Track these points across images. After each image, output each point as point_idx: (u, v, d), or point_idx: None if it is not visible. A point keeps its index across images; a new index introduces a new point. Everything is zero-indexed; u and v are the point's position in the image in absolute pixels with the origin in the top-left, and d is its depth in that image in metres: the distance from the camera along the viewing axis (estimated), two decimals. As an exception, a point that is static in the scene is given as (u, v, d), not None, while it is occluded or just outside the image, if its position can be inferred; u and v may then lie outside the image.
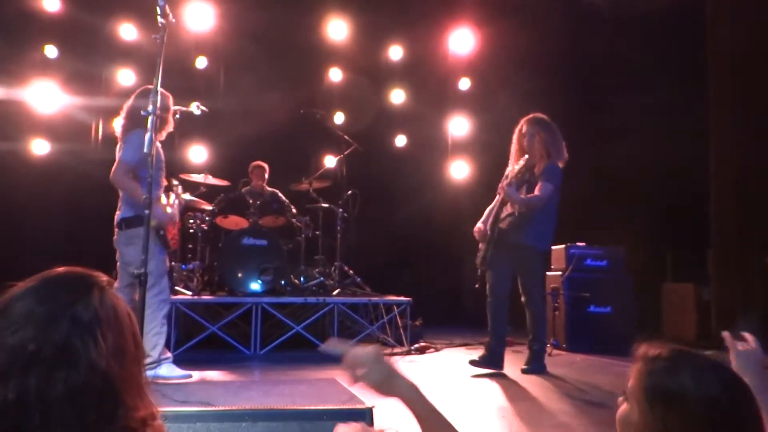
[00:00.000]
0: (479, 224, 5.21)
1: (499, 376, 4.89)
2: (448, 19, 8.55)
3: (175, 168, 6.13)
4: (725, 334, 1.74)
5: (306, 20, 8.26)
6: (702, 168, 6.94)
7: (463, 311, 8.60)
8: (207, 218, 6.26)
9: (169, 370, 4.17)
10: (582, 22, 8.31)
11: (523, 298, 5.11)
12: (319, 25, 8.37)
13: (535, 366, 5.00)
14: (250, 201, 6.39)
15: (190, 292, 5.95)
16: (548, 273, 6.38)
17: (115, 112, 4.64)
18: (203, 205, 6.15)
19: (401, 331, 6.13)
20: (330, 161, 7.82)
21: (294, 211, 6.77)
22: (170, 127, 4.50)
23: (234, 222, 6.44)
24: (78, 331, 1.00)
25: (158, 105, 3.49)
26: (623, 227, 7.24)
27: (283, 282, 6.30)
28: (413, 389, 1.36)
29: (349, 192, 6.97)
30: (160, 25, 3.44)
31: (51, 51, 7.72)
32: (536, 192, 4.90)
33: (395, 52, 8.85)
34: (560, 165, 5.03)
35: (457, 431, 1.37)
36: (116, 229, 4.31)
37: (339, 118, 8.67)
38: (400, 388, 1.37)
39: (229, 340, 5.65)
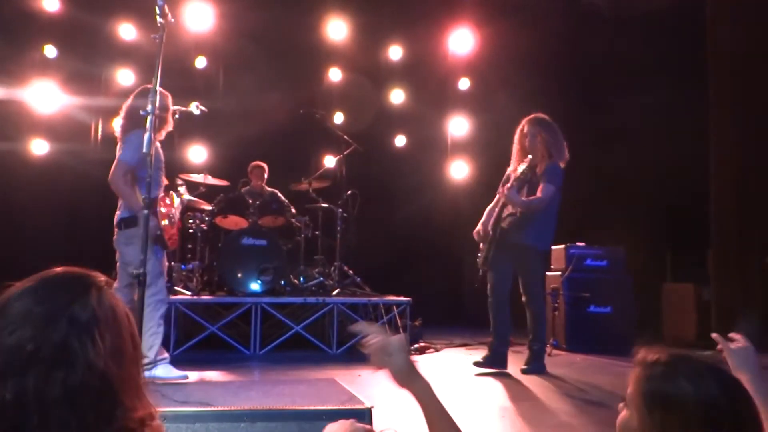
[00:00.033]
0: (479, 226, 5.21)
1: (500, 376, 4.89)
2: (448, 19, 8.55)
3: (175, 168, 6.13)
4: (715, 335, 1.74)
5: (306, 20, 8.26)
6: (702, 168, 6.93)
7: (463, 311, 8.61)
8: (206, 218, 6.26)
9: (165, 371, 4.16)
10: (582, 22, 8.31)
11: (523, 298, 5.11)
12: (318, 25, 8.37)
13: (534, 366, 5.00)
14: (250, 201, 6.39)
15: (189, 292, 5.95)
16: (548, 273, 6.37)
17: (114, 112, 4.63)
18: (203, 205, 6.15)
19: (401, 331, 6.12)
20: (329, 161, 7.82)
21: (293, 211, 6.76)
22: (170, 127, 4.49)
23: (233, 222, 6.43)
24: (76, 331, 1.00)
25: (157, 105, 3.48)
26: (623, 227, 7.24)
27: (282, 282, 6.30)
28: (427, 387, 1.38)
29: (349, 192, 6.96)
30: (159, 25, 3.44)
31: (50, 51, 7.72)
32: (538, 194, 4.90)
33: (395, 52, 8.84)
34: (561, 165, 5.04)
35: None
36: (116, 229, 4.30)
37: (339, 118, 8.67)
38: (417, 383, 1.39)
39: (229, 340, 5.65)
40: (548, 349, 5.47)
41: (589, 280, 6.43)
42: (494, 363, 4.99)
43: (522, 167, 4.82)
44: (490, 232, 5.08)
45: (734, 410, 1.13)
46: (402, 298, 6.26)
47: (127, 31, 7.83)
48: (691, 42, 7.10)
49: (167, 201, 4.49)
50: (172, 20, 3.50)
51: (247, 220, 6.33)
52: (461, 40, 8.56)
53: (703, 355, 1.28)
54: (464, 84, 8.99)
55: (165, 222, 4.31)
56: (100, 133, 7.96)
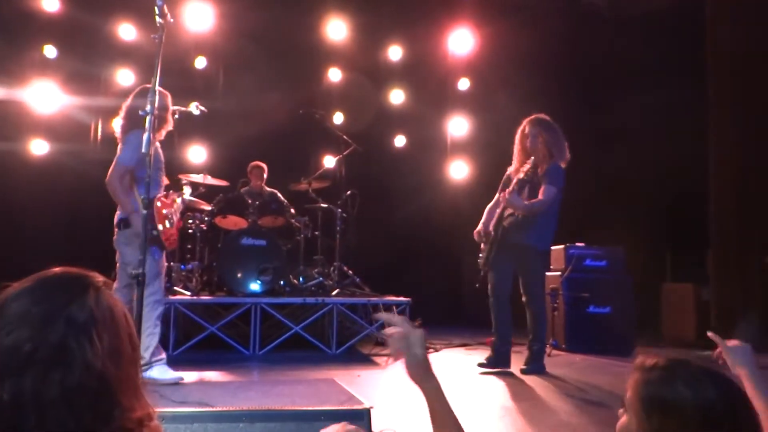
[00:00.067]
0: (479, 226, 5.22)
1: (500, 375, 4.90)
2: (448, 19, 8.55)
3: (174, 168, 6.12)
4: (711, 334, 1.75)
5: (305, 20, 8.26)
6: (702, 168, 6.94)
7: (463, 312, 8.60)
8: (206, 218, 6.25)
9: (160, 372, 4.14)
10: (582, 22, 8.32)
11: (524, 298, 5.12)
12: (318, 25, 8.36)
13: (534, 366, 5.00)
14: (249, 201, 6.39)
15: (189, 293, 5.95)
16: (547, 273, 6.37)
17: (114, 112, 4.63)
18: (202, 205, 6.14)
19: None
20: (329, 161, 7.82)
21: (292, 211, 6.75)
22: (170, 126, 4.48)
23: (233, 222, 6.43)
24: (73, 331, 1.00)
25: (156, 105, 3.48)
26: (623, 227, 7.24)
27: (282, 282, 6.30)
28: (438, 388, 1.41)
29: (349, 192, 6.96)
30: (158, 25, 3.44)
31: (50, 51, 7.72)
32: (539, 196, 4.92)
33: (395, 52, 8.84)
34: (562, 165, 5.04)
35: None
36: (116, 229, 4.30)
37: (338, 118, 8.67)
38: (430, 382, 1.41)
39: (228, 340, 5.65)
40: (548, 349, 5.47)
41: (589, 281, 6.42)
42: (498, 363, 5.03)
43: (526, 169, 4.82)
44: (492, 233, 5.09)
45: (732, 414, 1.13)
46: (401, 299, 6.26)
47: (126, 31, 7.83)
48: (691, 42, 7.10)
49: (167, 201, 4.47)
50: (172, 20, 3.50)
51: (247, 220, 6.33)
52: (461, 40, 8.56)
53: (701, 359, 1.28)
54: (464, 84, 8.99)
55: (166, 224, 4.30)
56: (99, 133, 7.95)
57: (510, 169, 5.34)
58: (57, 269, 1.10)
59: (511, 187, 4.92)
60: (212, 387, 4.30)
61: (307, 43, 8.37)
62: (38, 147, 7.68)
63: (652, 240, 7.57)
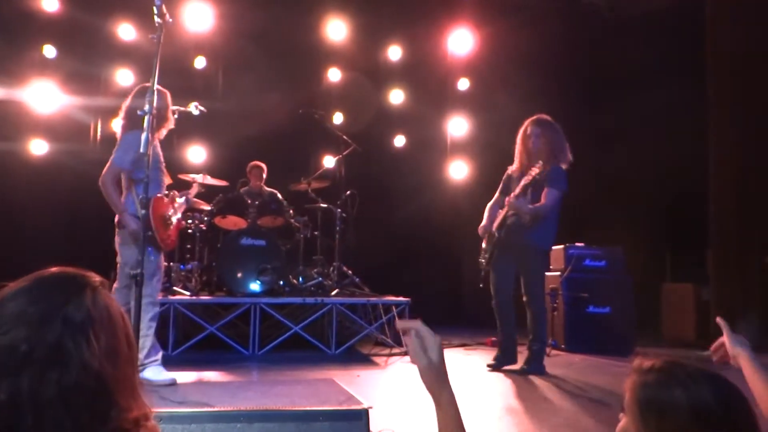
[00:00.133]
0: (484, 221, 5.24)
1: (500, 375, 4.92)
2: (447, 19, 8.55)
3: (174, 168, 6.12)
4: (719, 320, 1.76)
5: (305, 20, 8.26)
6: (702, 168, 6.93)
7: (462, 312, 8.60)
8: (205, 218, 6.25)
9: (154, 373, 4.13)
10: (582, 22, 8.31)
11: (524, 298, 5.13)
12: (318, 26, 8.36)
13: (534, 366, 5.00)
14: (249, 201, 6.38)
15: (188, 293, 5.94)
16: (547, 273, 6.36)
17: (113, 112, 4.62)
18: (202, 205, 6.14)
19: (400, 331, 6.11)
20: (329, 161, 7.82)
21: (291, 212, 6.74)
22: (171, 125, 4.47)
23: (232, 222, 6.43)
24: (70, 331, 1.00)
25: (155, 104, 3.47)
26: (623, 227, 7.25)
27: (281, 282, 6.29)
28: (452, 399, 1.37)
29: (348, 192, 6.95)
30: (157, 24, 3.43)
31: (49, 51, 7.71)
32: (542, 199, 4.95)
33: (394, 53, 8.84)
34: (564, 167, 5.05)
35: None
36: (117, 229, 4.29)
37: (338, 118, 8.66)
38: (444, 391, 1.38)
39: (228, 340, 5.64)
40: (547, 349, 5.47)
41: (588, 281, 6.42)
42: (506, 361, 5.11)
43: (533, 172, 4.82)
44: (495, 234, 5.10)
45: (729, 417, 1.13)
46: (401, 299, 6.25)
47: (126, 31, 7.83)
48: (691, 42, 7.10)
49: (166, 201, 4.46)
50: (170, 20, 3.50)
51: (246, 220, 6.33)
52: (461, 41, 8.56)
53: (701, 359, 1.28)
54: (464, 84, 8.98)
55: (162, 225, 4.28)
56: (99, 133, 7.95)
57: (511, 169, 5.35)
58: (54, 269, 1.10)
59: (517, 191, 4.92)
60: (211, 387, 4.29)
61: (307, 43, 8.36)
62: (38, 147, 7.68)
63: (652, 240, 7.57)
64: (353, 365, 5.28)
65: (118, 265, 4.31)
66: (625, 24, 7.93)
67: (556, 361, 5.59)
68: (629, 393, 1.22)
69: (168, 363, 4.38)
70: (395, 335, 6.17)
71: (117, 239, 4.28)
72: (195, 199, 5.83)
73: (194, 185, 5.23)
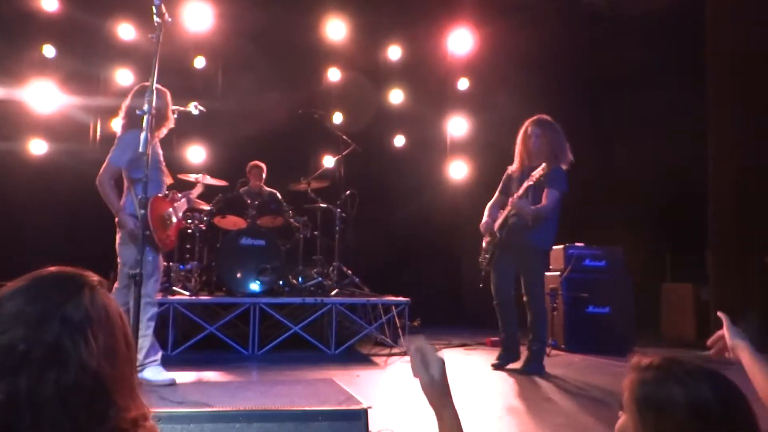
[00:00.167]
0: (485, 218, 5.24)
1: (499, 375, 4.92)
2: (447, 19, 8.55)
3: (173, 168, 6.12)
4: (720, 313, 1.76)
5: (305, 20, 8.26)
6: (702, 168, 6.93)
7: (462, 312, 8.60)
8: (205, 218, 6.25)
9: (153, 373, 4.12)
10: (582, 22, 8.31)
11: (524, 298, 5.14)
12: (317, 25, 8.36)
13: (533, 366, 5.00)
14: (248, 201, 6.38)
15: (188, 293, 5.94)
16: (547, 273, 6.37)
17: (113, 111, 4.62)
18: (201, 205, 6.14)
19: (399, 331, 6.12)
20: (328, 161, 7.82)
21: (290, 212, 6.74)
22: (171, 123, 4.46)
23: (232, 222, 6.42)
24: (68, 331, 1.00)
25: (154, 104, 3.47)
26: (622, 227, 7.24)
27: (281, 282, 6.29)
28: (455, 417, 1.38)
29: (348, 192, 6.95)
30: (156, 24, 3.43)
31: (49, 51, 7.71)
32: (543, 200, 4.96)
33: (394, 52, 8.83)
34: (564, 167, 5.05)
35: None
36: (118, 229, 4.29)
37: (337, 118, 8.66)
38: (447, 409, 1.38)
39: (227, 340, 5.64)
40: (547, 349, 5.47)
41: (588, 281, 6.42)
42: (509, 359, 5.14)
43: (537, 174, 4.82)
44: (497, 235, 5.11)
45: (728, 414, 1.13)
46: (401, 299, 6.25)
47: (125, 31, 7.82)
48: (691, 42, 7.09)
49: (166, 201, 4.45)
50: (169, 20, 3.49)
51: (246, 220, 6.32)
52: (460, 40, 8.56)
53: (701, 359, 1.27)
54: (463, 84, 8.98)
55: (161, 225, 4.27)
56: (98, 133, 7.94)
57: (511, 169, 5.36)
58: (52, 268, 1.10)
59: (520, 192, 4.93)
60: (211, 387, 4.29)
61: (307, 43, 8.36)
62: (37, 147, 7.68)
63: (652, 240, 7.56)
64: (353, 365, 5.28)
65: (119, 266, 4.30)
66: (625, 24, 7.93)
67: (556, 361, 5.58)
68: (627, 391, 1.22)
69: (167, 363, 4.38)
70: (395, 335, 6.18)
71: (117, 239, 4.27)
72: (196, 200, 5.83)
73: (198, 185, 5.23)
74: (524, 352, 5.16)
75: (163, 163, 4.51)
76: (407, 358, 5.67)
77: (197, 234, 6.23)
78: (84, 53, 7.65)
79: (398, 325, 6.14)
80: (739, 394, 1.17)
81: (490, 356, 5.78)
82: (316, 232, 6.96)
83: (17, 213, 7.28)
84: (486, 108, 8.51)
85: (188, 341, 5.57)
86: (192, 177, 6.25)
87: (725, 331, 1.72)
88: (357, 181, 7.14)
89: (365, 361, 5.65)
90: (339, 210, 6.81)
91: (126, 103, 4.34)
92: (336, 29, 8.38)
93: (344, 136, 7.13)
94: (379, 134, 8.81)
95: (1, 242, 6.94)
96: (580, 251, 6.59)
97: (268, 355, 5.65)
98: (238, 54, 8.04)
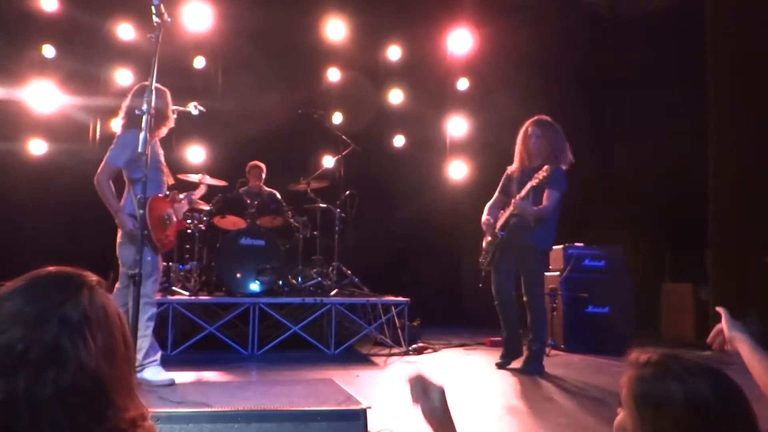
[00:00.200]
0: (485, 217, 5.24)
1: (499, 376, 4.92)
2: (447, 19, 8.54)
3: (173, 168, 6.11)
4: (719, 308, 1.76)
5: (304, 20, 8.25)
6: (701, 168, 6.93)
7: (462, 312, 8.60)
8: (204, 218, 6.24)
9: (153, 374, 4.12)
10: (582, 22, 8.31)
11: (524, 298, 5.14)
12: (317, 25, 8.35)
13: (533, 367, 5.01)
14: (248, 201, 6.38)
15: (187, 293, 5.94)
16: (546, 273, 6.37)
17: (112, 112, 4.61)
18: (201, 205, 6.13)
19: (399, 331, 6.12)
20: (328, 161, 7.81)
21: (290, 212, 6.73)
22: (171, 123, 4.45)
23: (231, 222, 6.42)
24: (67, 331, 1.00)
25: (153, 104, 3.47)
26: (622, 227, 7.24)
27: (280, 282, 6.29)
28: None
29: (347, 192, 6.95)
30: (155, 24, 3.43)
31: (49, 51, 7.70)
32: (544, 201, 4.98)
33: (394, 52, 8.83)
34: (564, 168, 5.06)
35: None
36: (119, 229, 4.28)
37: (337, 118, 8.66)
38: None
39: (227, 340, 5.64)
40: (547, 349, 5.47)
41: (588, 281, 6.42)
42: (513, 357, 5.16)
43: (540, 176, 4.82)
44: (498, 235, 5.11)
45: (726, 410, 1.12)
46: (400, 299, 6.25)
47: (125, 31, 7.82)
48: (691, 42, 7.09)
49: (166, 202, 4.45)
50: (169, 20, 3.49)
51: (246, 220, 6.32)
52: (460, 40, 8.56)
53: (696, 356, 1.27)
54: (463, 84, 8.98)
55: (160, 225, 4.26)
56: (98, 133, 7.94)
57: (510, 169, 5.36)
58: (50, 268, 1.10)
59: (522, 193, 4.92)
60: (210, 387, 4.29)
61: (306, 43, 8.36)
62: (37, 147, 7.67)
63: (652, 240, 7.56)
64: (352, 365, 5.28)
65: (120, 266, 4.30)
66: (625, 24, 7.92)
67: (556, 361, 5.58)
68: (626, 387, 1.22)
69: (167, 363, 4.38)
70: (394, 335, 6.18)
71: (118, 239, 4.27)
72: (198, 200, 5.82)
73: (201, 187, 5.23)
74: (524, 352, 5.16)
75: (164, 164, 4.50)
76: (407, 358, 5.70)
77: (197, 234, 6.23)
78: (84, 53, 7.64)
79: (398, 325, 6.14)
80: (739, 392, 1.16)
81: (489, 356, 5.78)
82: (315, 232, 6.96)
83: (17, 213, 7.28)
84: (486, 108, 8.51)
85: (188, 341, 5.56)
86: (192, 177, 6.26)
87: (723, 324, 1.72)
88: (357, 181, 7.14)
89: (365, 361, 5.65)
90: (339, 210, 6.80)
91: (126, 103, 4.34)
92: (336, 29, 8.38)
93: (344, 136, 7.13)
94: (379, 134, 8.80)
95: (1, 242, 6.94)
96: (580, 251, 6.59)
97: (267, 355, 5.65)
98: (238, 54, 8.04)
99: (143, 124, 3.39)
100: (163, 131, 4.42)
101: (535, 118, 5.24)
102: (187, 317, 5.76)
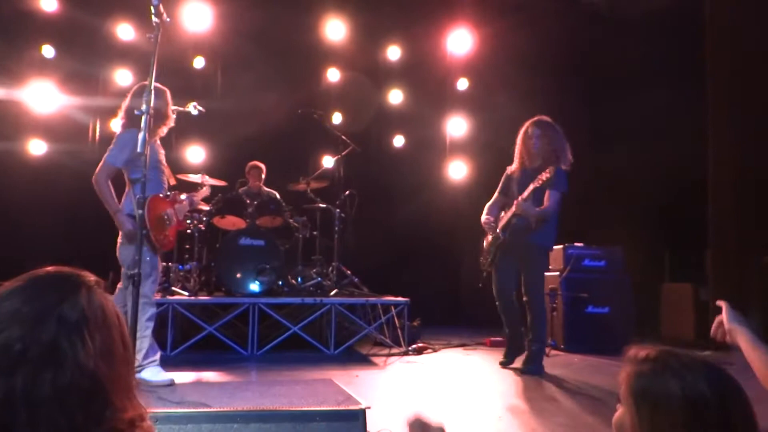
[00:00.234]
0: (488, 217, 5.24)
1: (499, 375, 4.91)
2: (447, 19, 8.54)
3: (173, 168, 6.11)
4: (720, 302, 1.76)
5: (304, 20, 8.25)
6: (700, 168, 6.93)
7: (461, 312, 8.59)
8: (204, 218, 6.24)
9: (152, 374, 4.11)
10: (581, 22, 8.30)
11: (525, 298, 5.14)
12: (317, 25, 8.35)
13: (533, 367, 5.01)
14: (248, 201, 6.38)
15: (187, 293, 5.94)
16: (546, 273, 6.36)
17: (112, 112, 4.60)
18: (201, 205, 6.13)
19: (399, 331, 6.12)
20: (328, 161, 7.81)
21: (290, 212, 6.73)
22: (171, 122, 4.45)
23: (231, 222, 6.42)
24: (65, 331, 0.99)
25: (152, 104, 3.46)
26: (621, 227, 7.23)
27: (280, 282, 6.29)
28: None
29: (347, 192, 6.95)
30: (154, 24, 3.43)
31: (48, 51, 7.70)
32: (545, 202, 4.99)
33: (393, 53, 8.83)
34: (564, 168, 5.06)
35: None
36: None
37: (337, 118, 8.65)
38: None
39: (226, 340, 5.64)
40: (546, 349, 5.47)
41: (588, 281, 6.42)
42: (516, 355, 5.19)
43: (543, 178, 4.82)
44: (501, 236, 5.11)
45: (723, 407, 1.12)
46: (400, 299, 6.25)
47: (125, 31, 7.82)
48: (691, 42, 7.09)
49: (167, 201, 4.44)
50: (168, 20, 3.49)
51: (245, 220, 6.32)
52: (460, 41, 8.55)
53: (695, 353, 1.27)
54: (463, 84, 8.97)
55: (159, 225, 4.26)
56: (98, 134, 7.93)
57: (510, 169, 5.36)
58: (49, 268, 1.09)
59: (525, 195, 4.92)
60: (210, 387, 4.28)
61: (306, 43, 8.35)
62: (36, 147, 7.67)
63: (651, 240, 7.55)
64: (352, 365, 5.28)
65: (122, 266, 4.29)
66: (625, 24, 7.91)
67: (555, 361, 5.58)
68: (624, 383, 1.22)
69: (166, 363, 4.37)
70: (394, 335, 6.17)
71: (119, 240, 4.27)
72: (200, 201, 5.81)
73: (205, 188, 5.22)
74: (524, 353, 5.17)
75: (165, 164, 4.50)
76: (407, 358, 5.70)
77: (196, 234, 6.22)
78: (83, 53, 7.64)
79: (397, 325, 6.14)
80: (737, 388, 1.16)
81: (489, 356, 5.79)
82: (315, 233, 6.96)
83: (17, 213, 7.27)
84: (485, 108, 8.50)
85: (187, 341, 5.56)
86: (192, 177, 6.26)
87: (724, 316, 1.72)
88: (356, 181, 7.14)
89: (364, 361, 5.65)
90: (338, 210, 6.81)
91: (125, 103, 4.34)
92: (335, 29, 8.37)
93: (343, 137, 7.13)
94: (379, 134, 8.80)
95: (0, 242, 6.94)
96: (580, 251, 6.59)
97: (267, 355, 5.64)
98: (238, 54, 8.04)
99: (142, 125, 3.39)
100: (164, 130, 4.42)
101: (535, 118, 5.24)
102: (186, 317, 5.76)
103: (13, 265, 1.71)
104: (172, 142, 6.74)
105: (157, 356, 4.22)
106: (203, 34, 7.71)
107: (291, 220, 6.64)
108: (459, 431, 3.25)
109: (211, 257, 6.41)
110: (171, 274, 6.08)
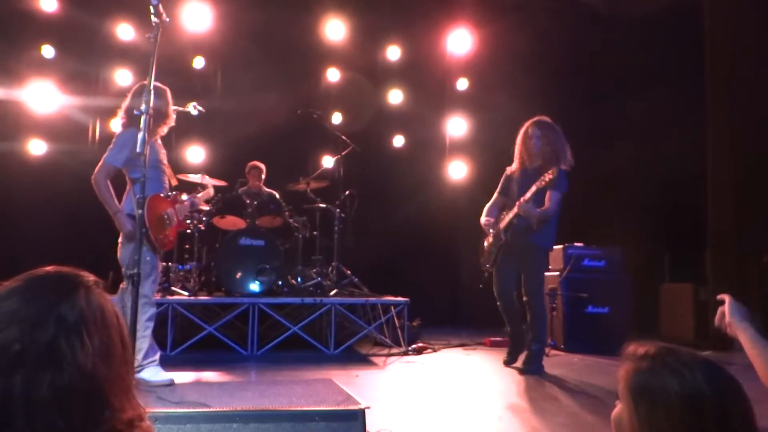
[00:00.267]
0: (487, 218, 5.24)
1: (499, 376, 4.91)
2: (446, 19, 8.54)
3: (173, 168, 6.11)
4: (721, 296, 1.76)
5: (304, 20, 8.25)
6: (700, 168, 6.93)
7: (461, 312, 8.59)
8: (204, 218, 6.24)
9: (152, 374, 4.11)
10: (581, 22, 8.30)
11: (525, 298, 5.14)
12: (316, 25, 8.35)
13: (533, 367, 5.00)
14: (247, 201, 6.38)
15: (186, 293, 5.94)
16: (546, 273, 6.36)
17: (112, 112, 4.60)
18: (201, 205, 6.13)
19: (399, 331, 6.12)
20: (327, 161, 7.81)
21: (289, 212, 6.73)
22: (172, 122, 4.44)
23: (231, 222, 6.42)
24: (64, 331, 0.99)
25: (152, 104, 3.46)
26: (621, 227, 7.24)
27: (280, 282, 6.29)
28: None
29: (347, 192, 6.95)
30: (153, 24, 3.43)
31: (48, 51, 7.69)
32: (546, 202, 4.99)
33: (393, 53, 8.82)
34: (564, 168, 5.05)
35: None
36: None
37: (337, 118, 8.64)
38: None
39: (226, 340, 5.64)
40: (546, 349, 5.47)
41: (587, 281, 6.41)
42: (519, 353, 5.20)
43: (546, 179, 4.82)
44: (502, 237, 5.11)
45: (721, 404, 1.12)
46: (400, 299, 6.25)
47: (124, 31, 7.81)
48: (690, 42, 7.09)
49: (167, 201, 4.43)
50: (167, 20, 3.49)
51: (245, 220, 6.32)
52: (459, 40, 8.55)
53: (703, 353, 1.27)
54: (462, 84, 8.96)
55: (159, 225, 4.25)
56: (98, 134, 7.93)
57: (510, 169, 5.36)
58: (47, 268, 1.09)
59: (528, 195, 4.92)
60: (209, 387, 4.28)
61: (306, 43, 8.35)
62: (36, 147, 7.66)
63: (651, 240, 7.55)
64: (352, 365, 5.28)
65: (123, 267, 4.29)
66: (625, 24, 7.92)
67: (555, 361, 5.58)
68: (622, 380, 1.22)
69: (166, 363, 4.37)
70: (394, 335, 6.17)
71: (120, 241, 4.27)
72: (202, 202, 5.80)
73: (208, 189, 5.23)
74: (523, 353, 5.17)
75: (166, 164, 4.49)
76: (407, 358, 5.70)
77: (196, 234, 6.22)
78: (83, 53, 7.64)
79: (397, 325, 6.14)
80: (735, 386, 1.16)
81: (489, 356, 5.79)
82: (315, 232, 6.96)
83: (16, 213, 7.27)
84: (485, 108, 8.49)
85: (187, 341, 5.56)
86: (192, 177, 6.26)
87: (726, 308, 1.72)
88: (356, 181, 7.14)
89: (364, 361, 5.65)
90: (338, 210, 6.81)
91: (125, 102, 4.34)
92: (335, 29, 8.37)
93: (343, 136, 7.13)
94: (379, 134, 8.80)
95: (0, 242, 6.94)
96: (580, 251, 6.58)
97: (267, 355, 5.64)
98: (237, 54, 8.04)
99: (141, 124, 3.39)
100: (164, 130, 4.41)
101: (535, 118, 5.24)
102: (186, 317, 5.76)
103: (13, 265, 1.71)
104: (172, 142, 6.74)
105: (157, 356, 4.22)
106: (203, 34, 7.70)
107: (291, 220, 6.64)
108: (459, 431, 3.25)
109: (211, 257, 6.41)
110: (171, 274, 6.08)
